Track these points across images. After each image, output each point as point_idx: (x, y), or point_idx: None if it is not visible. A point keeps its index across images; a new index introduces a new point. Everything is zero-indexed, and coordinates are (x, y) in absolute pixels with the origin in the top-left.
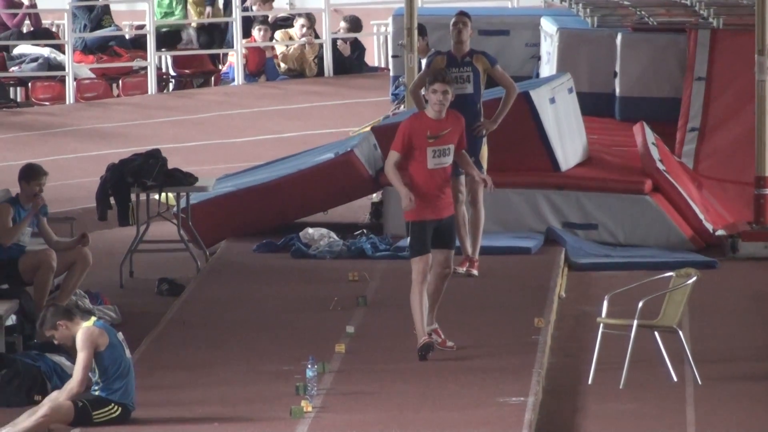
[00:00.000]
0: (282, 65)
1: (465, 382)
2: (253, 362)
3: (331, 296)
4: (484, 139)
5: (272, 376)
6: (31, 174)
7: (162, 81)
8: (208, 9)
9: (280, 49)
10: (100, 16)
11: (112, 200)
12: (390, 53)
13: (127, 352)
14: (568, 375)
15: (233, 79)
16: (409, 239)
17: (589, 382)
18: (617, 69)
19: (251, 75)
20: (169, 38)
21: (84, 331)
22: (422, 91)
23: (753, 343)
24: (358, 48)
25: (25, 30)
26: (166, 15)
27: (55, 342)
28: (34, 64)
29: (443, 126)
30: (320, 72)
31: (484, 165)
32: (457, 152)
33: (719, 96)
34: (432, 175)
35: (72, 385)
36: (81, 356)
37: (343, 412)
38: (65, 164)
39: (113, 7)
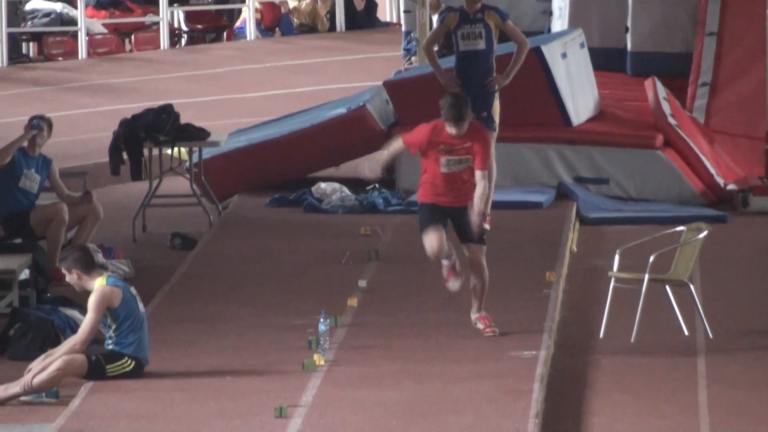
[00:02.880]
0: (294, 20)
1: (477, 336)
2: (266, 316)
3: (344, 251)
4: (497, 94)
5: (285, 330)
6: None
7: (174, 36)
8: None
9: (292, 4)
10: None
11: (124, 155)
12: (402, 8)
13: (141, 307)
14: (579, 329)
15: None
16: None
17: (601, 335)
18: (629, 24)
19: (267, 30)
20: None
21: (98, 292)
22: (435, 47)
23: (764, 297)
24: (370, 3)
25: None
26: None
27: (66, 280)
28: (47, 20)
29: (461, 141)
30: (332, 27)
31: (497, 120)
32: (477, 176)
33: (731, 51)
34: (446, 176)
35: (74, 342)
36: (90, 317)
37: (356, 365)
38: (78, 119)
39: None
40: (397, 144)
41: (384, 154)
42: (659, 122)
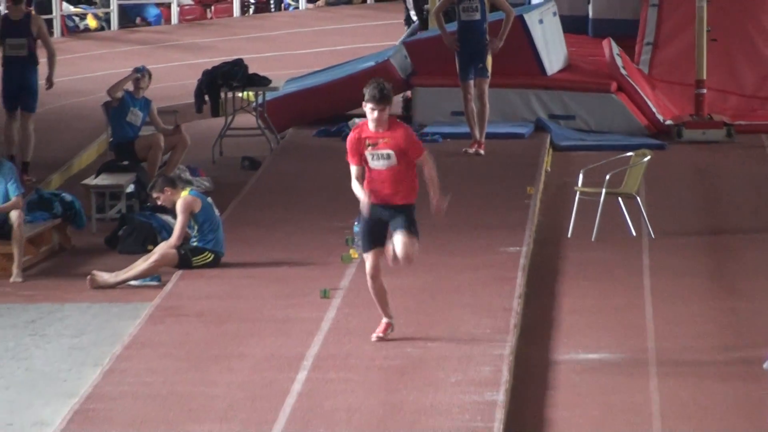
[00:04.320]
0: None
1: (473, 235)
2: (313, 220)
3: None
4: (489, 50)
5: (328, 231)
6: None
7: (244, 7)
8: None
9: None
10: None
11: (206, 97)
12: None
13: (216, 212)
14: (552, 230)
15: (289, 7)
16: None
17: (569, 235)
18: None
19: None
20: None
21: (182, 200)
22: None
23: (694, 206)
24: None
25: None
26: None
27: (159, 203)
28: None
29: (381, 136)
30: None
31: (489, 69)
32: (419, 163)
33: (668, 18)
34: (379, 174)
35: (171, 240)
36: (179, 219)
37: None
38: (171, 70)
39: None
40: (353, 173)
41: (357, 193)
42: (613, 73)
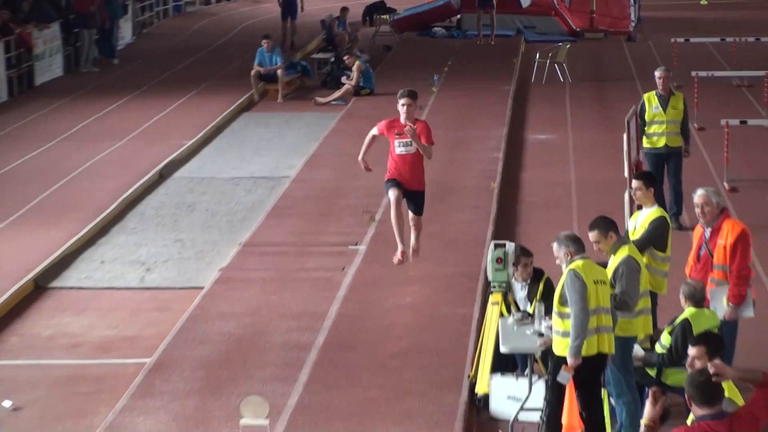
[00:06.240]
0: None
1: (485, 80)
2: (415, 71)
3: (445, 50)
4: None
5: (420, 78)
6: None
7: None
8: None
9: None
10: None
11: (367, 18)
12: None
13: (371, 70)
14: (524, 78)
15: None
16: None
17: (532, 81)
18: None
19: None
20: None
21: (357, 64)
22: None
23: (590, 67)
24: None
25: None
26: None
27: (347, 63)
28: None
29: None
30: None
31: (494, 6)
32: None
33: None
34: (401, 157)
35: (350, 81)
36: (354, 73)
37: (443, 103)
38: (352, 6)
39: None
40: (372, 131)
41: (366, 140)
42: (552, 6)
